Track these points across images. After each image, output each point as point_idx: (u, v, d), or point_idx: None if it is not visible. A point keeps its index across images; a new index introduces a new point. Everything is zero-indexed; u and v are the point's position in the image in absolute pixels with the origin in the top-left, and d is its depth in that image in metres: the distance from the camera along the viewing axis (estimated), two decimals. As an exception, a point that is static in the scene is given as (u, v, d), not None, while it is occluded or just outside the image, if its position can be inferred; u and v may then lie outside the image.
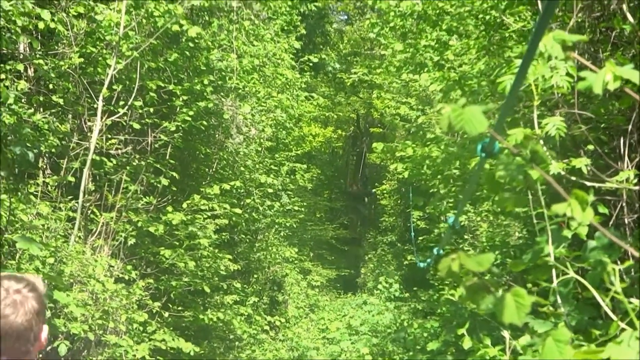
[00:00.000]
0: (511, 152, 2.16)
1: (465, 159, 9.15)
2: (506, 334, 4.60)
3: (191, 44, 9.71)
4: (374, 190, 28.88)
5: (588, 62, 1.83)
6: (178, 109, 9.59)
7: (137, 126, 9.14)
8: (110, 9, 8.70)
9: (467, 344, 6.16)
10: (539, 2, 5.84)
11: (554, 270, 2.75)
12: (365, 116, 34.68)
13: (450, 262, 1.79)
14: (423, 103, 16.34)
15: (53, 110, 8.47)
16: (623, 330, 1.81)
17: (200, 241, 9.51)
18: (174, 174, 9.53)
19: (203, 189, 10.00)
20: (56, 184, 8.33)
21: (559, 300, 2.89)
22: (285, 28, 18.06)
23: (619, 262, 2.48)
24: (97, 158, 8.68)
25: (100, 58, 8.89)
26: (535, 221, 3.04)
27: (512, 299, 1.70)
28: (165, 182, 9.34)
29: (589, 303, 2.70)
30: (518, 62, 4.58)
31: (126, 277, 8.44)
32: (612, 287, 1.86)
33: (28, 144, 6.94)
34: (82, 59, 8.61)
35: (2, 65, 7.75)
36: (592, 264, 2.53)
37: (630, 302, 1.90)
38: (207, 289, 9.92)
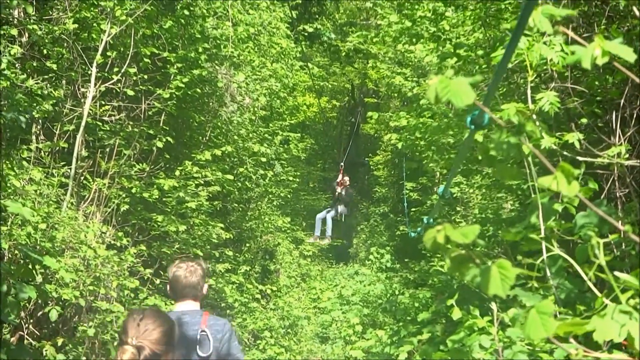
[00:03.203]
0: (500, 125, 2.16)
1: (459, 127, 9.16)
2: (494, 306, 4.63)
3: (186, 12, 9.67)
4: (366, 158, 28.87)
5: (577, 37, 1.83)
6: (172, 77, 9.55)
7: (131, 93, 9.09)
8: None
9: (456, 314, 6.21)
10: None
11: (544, 243, 2.76)
12: (360, 87, 34.57)
13: (436, 234, 1.79)
14: (418, 74, 16.33)
15: (46, 76, 8.44)
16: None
17: (189, 205, 9.53)
18: (169, 138, 9.52)
19: (195, 155, 9.98)
20: (49, 149, 8.31)
21: (549, 274, 2.91)
22: (281, -3, 17.98)
23: (608, 236, 2.49)
24: (91, 121, 8.67)
25: (94, 24, 8.85)
26: (531, 194, 3.05)
27: (496, 270, 1.70)
28: (159, 144, 9.31)
29: (579, 276, 2.72)
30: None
31: (118, 244, 8.44)
32: (597, 260, 1.87)
33: (20, 109, 6.90)
34: (76, 25, 8.57)
35: (-4, 30, 7.71)
36: (583, 237, 2.55)
37: (617, 277, 1.90)
38: (201, 254, 9.95)
